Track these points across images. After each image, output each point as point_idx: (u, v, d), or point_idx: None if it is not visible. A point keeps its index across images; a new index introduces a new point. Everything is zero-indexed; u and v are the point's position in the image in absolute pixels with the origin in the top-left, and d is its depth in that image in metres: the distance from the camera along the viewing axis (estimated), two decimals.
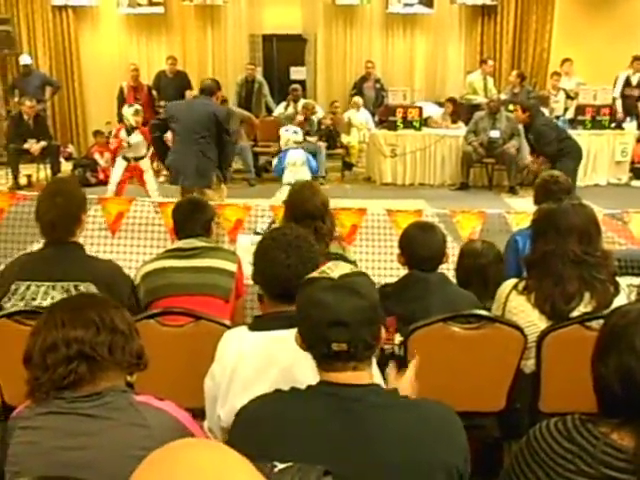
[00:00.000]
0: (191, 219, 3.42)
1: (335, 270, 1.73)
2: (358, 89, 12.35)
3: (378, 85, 12.36)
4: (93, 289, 2.94)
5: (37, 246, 3.28)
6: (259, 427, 1.70)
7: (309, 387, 1.74)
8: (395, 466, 1.62)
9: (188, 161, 6.26)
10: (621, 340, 1.63)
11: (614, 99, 11.21)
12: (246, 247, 4.39)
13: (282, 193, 7.84)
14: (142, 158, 8.13)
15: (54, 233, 3.03)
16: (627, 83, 11.54)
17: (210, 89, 6.55)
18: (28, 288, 2.94)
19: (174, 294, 3.18)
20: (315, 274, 1.75)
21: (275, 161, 8.31)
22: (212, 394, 2.24)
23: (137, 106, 8.26)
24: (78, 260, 3.05)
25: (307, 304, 1.73)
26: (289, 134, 8.35)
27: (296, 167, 7.92)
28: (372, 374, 1.78)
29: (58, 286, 2.94)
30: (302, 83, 12.69)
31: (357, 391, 1.69)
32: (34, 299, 2.93)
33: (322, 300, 1.68)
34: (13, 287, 2.96)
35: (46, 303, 2.88)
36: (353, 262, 3.60)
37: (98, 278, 2.97)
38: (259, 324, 2.26)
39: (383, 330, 1.79)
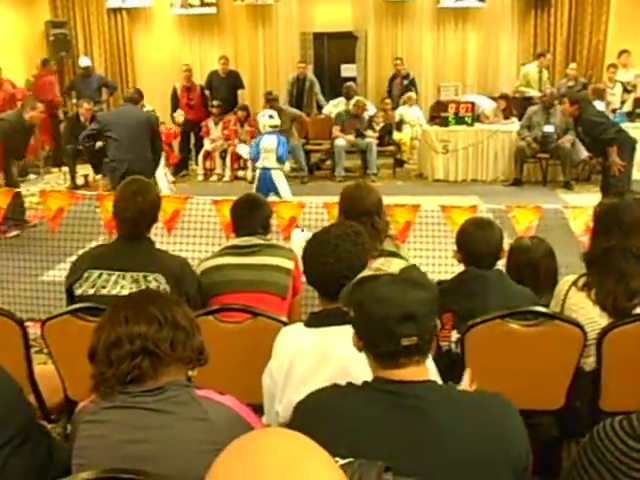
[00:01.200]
0: (250, 217, 3.46)
1: (390, 266, 1.72)
2: (389, 87, 12.37)
3: (406, 81, 12.29)
4: (162, 280, 3.06)
5: (95, 244, 3.37)
6: (317, 422, 1.69)
7: (365, 383, 1.74)
8: (462, 462, 1.61)
9: (129, 164, 6.80)
10: None
11: None
12: (299, 244, 4.40)
13: (256, 179, 8.05)
14: None
15: (135, 229, 3.18)
16: None
17: (135, 99, 7.59)
18: (100, 276, 3.08)
19: (232, 291, 3.22)
20: (369, 272, 1.75)
21: (252, 145, 8.40)
22: (270, 391, 2.26)
23: None
24: (148, 252, 3.20)
25: (370, 302, 1.70)
26: (265, 119, 8.39)
27: (267, 153, 7.96)
28: (427, 368, 1.78)
29: (128, 276, 3.07)
30: (353, 80, 12.65)
31: (416, 388, 1.68)
32: (104, 287, 3.07)
33: (386, 295, 1.67)
34: (85, 275, 3.10)
35: (115, 291, 3.03)
36: (406, 260, 3.59)
37: (166, 271, 3.09)
38: (314, 320, 2.28)
39: (437, 321, 1.78)
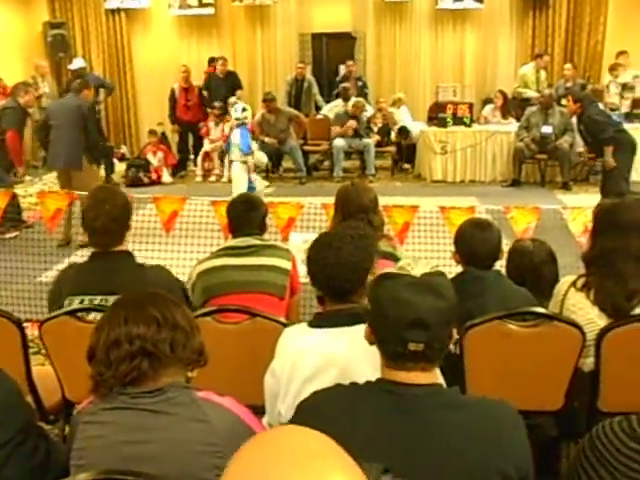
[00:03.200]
0: (246, 217, 3.45)
1: (415, 267, 1.69)
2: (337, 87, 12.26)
3: (360, 83, 12.28)
4: None
5: (80, 254, 3.31)
6: (318, 421, 1.67)
7: (369, 383, 1.73)
8: (453, 467, 1.60)
9: (60, 148, 7.38)
10: None
11: None
12: (298, 245, 4.41)
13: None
14: None
15: (106, 239, 3.03)
16: None
17: (76, 88, 7.83)
18: (82, 302, 2.94)
19: (230, 292, 3.21)
20: (394, 270, 1.73)
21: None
22: (272, 390, 2.26)
23: None
24: (128, 270, 3.03)
25: (386, 300, 1.68)
26: (232, 112, 8.85)
27: (233, 146, 8.35)
28: (437, 374, 1.76)
29: (111, 299, 2.87)
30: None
31: (418, 390, 1.66)
32: (88, 313, 2.91)
33: (403, 298, 1.64)
34: (66, 302, 2.95)
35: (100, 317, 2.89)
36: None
37: (149, 286, 2.88)
38: (319, 321, 2.28)
39: (454, 331, 1.76)
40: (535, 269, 3.37)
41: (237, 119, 8.51)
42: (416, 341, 1.63)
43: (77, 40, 13.01)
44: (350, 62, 12.46)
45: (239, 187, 7.97)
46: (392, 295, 1.67)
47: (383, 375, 1.72)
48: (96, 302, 2.91)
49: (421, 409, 1.65)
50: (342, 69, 12.80)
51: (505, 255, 3.33)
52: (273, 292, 3.28)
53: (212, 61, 12.16)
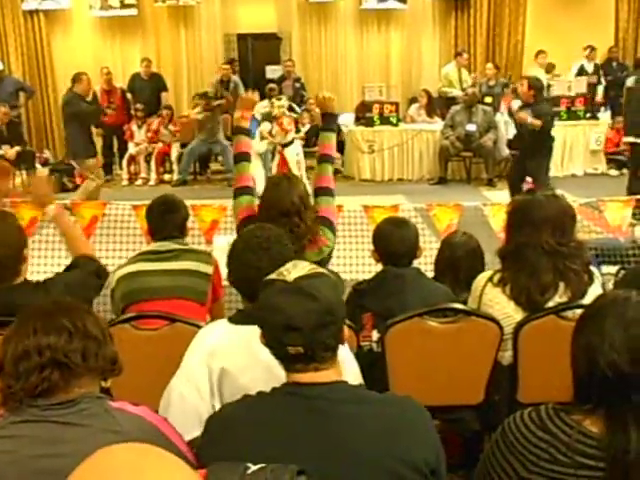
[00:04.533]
0: (164, 220, 3.37)
1: (292, 271, 1.71)
2: (278, 88, 12.30)
3: (298, 84, 12.35)
4: None
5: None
6: (229, 431, 1.71)
7: (274, 389, 1.75)
8: (361, 461, 1.62)
9: None
10: (593, 320, 1.66)
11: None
12: (222, 248, 4.34)
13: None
14: None
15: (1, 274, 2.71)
16: (580, 72, 11.94)
17: None
18: None
19: (149, 298, 3.16)
20: (273, 275, 1.74)
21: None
22: (191, 401, 2.16)
23: None
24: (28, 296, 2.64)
25: (262, 307, 1.73)
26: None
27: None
28: (339, 372, 1.76)
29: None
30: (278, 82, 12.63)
31: (321, 389, 1.68)
32: None
33: (275, 304, 1.68)
34: None
35: None
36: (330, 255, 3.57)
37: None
38: (239, 317, 2.26)
39: (346, 330, 1.78)
40: (455, 262, 3.43)
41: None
42: (293, 345, 1.65)
43: None
44: (289, 62, 12.43)
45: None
46: (266, 302, 1.71)
47: (287, 379, 1.74)
48: None
49: (325, 407, 1.67)
50: (269, 70, 12.78)
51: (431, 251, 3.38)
52: (193, 298, 3.23)
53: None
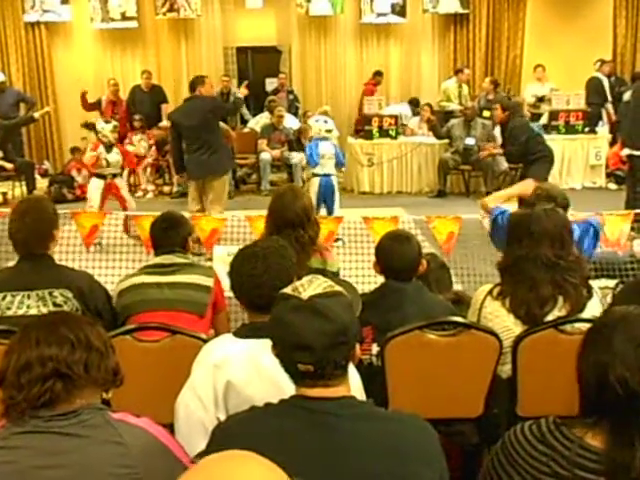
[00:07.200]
0: (165, 235, 3.42)
1: (308, 288, 1.70)
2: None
3: (291, 96, 12.41)
4: (68, 294, 3.02)
5: (12, 263, 3.28)
6: (233, 442, 1.67)
7: (282, 401, 1.74)
8: (371, 476, 1.61)
9: None
10: (602, 337, 1.66)
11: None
12: (222, 258, 4.37)
13: (313, 185, 7.91)
14: (119, 175, 8.05)
15: (26, 250, 3.11)
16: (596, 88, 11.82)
17: None
18: (3, 299, 3.01)
19: (149, 310, 3.17)
20: (288, 290, 1.73)
21: (307, 151, 8.17)
22: (197, 415, 2.16)
23: (115, 122, 8.17)
24: (51, 269, 3.14)
25: (275, 324, 1.73)
26: (320, 124, 8.11)
27: (324, 160, 7.79)
28: (348, 387, 1.76)
29: (33, 294, 3.01)
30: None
31: (330, 405, 1.68)
32: (9, 308, 3.00)
33: (287, 322, 1.67)
34: None
35: (21, 312, 2.98)
36: (336, 274, 3.60)
37: (72, 285, 3.06)
38: (243, 331, 2.27)
39: (358, 347, 1.77)
40: (424, 276, 3.43)
41: (328, 131, 8.10)
42: (304, 362, 1.65)
43: None
44: (282, 75, 12.50)
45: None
46: (278, 318, 1.71)
47: (296, 391, 1.74)
48: (18, 298, 3.00)
49: (333, 422, 1.66)
50: (268, 83, 12.82)
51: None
52: (192, 310, 3.24)
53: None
